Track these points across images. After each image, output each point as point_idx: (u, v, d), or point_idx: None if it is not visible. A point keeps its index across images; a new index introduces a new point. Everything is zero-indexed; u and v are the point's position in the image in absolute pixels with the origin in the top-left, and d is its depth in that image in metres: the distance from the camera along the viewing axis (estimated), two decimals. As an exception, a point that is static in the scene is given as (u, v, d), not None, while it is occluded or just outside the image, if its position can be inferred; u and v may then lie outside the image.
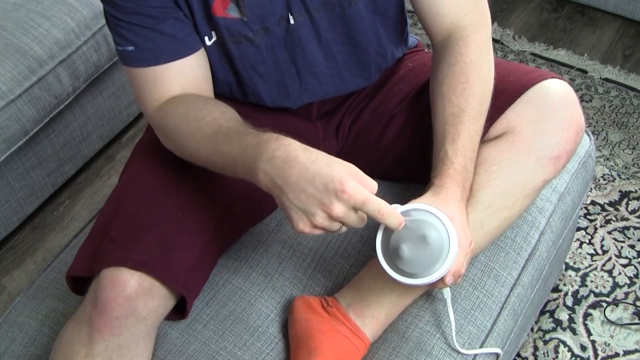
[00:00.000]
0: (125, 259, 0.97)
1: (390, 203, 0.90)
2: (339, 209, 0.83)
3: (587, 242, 1.67)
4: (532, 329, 1.52)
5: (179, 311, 1.07)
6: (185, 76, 1.04)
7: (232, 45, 1.04)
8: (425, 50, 1.30)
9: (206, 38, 1.04)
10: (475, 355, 1.06)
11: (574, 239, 1.65)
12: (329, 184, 0.83)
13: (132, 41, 1.01)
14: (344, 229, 0.87)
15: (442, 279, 0.90)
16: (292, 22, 1.03)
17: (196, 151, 0.99)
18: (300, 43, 1.06)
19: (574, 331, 1.52)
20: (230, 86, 1.12)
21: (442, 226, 0.89)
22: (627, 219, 1.71)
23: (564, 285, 1.59)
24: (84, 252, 1.04)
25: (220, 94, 1.13)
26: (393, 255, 0.89)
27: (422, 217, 0.89)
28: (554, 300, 1.57)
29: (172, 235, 1.02)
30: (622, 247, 1.66)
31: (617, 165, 1.84)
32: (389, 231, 0.90)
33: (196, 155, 1.00)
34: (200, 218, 1.06)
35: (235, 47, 1.04)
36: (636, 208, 1.74)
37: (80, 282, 1.04)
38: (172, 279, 0.99)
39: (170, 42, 1.01)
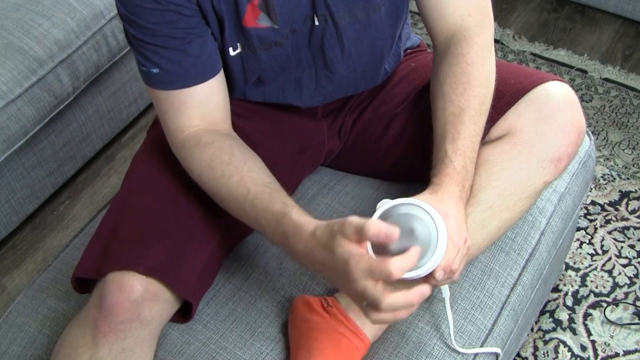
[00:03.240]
0: (136, 263, 0.97)
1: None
2: (355, 276, 0.83)
3: (587, 242, 1.67)
4: (532, 329, 1.52)
5: (181, 313, 1.07)
6: (206, 104, 1.04)
7: (261, 52, 1.04)
8: (428, 50, 1.30)
9: (230, 49, 1.03)
10: (475, 355, 1.06)
11: (574, 239, 1.66)
12: (340, 267, 0.84)
13: (157, 63, 0.99)
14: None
15: (432, 274, 0.90)
16: (316, 23, 1.03)
17: (223, 205, 1.01)
18: (322, 46, 1.06)
19: (574, 331, 1.52)
20: (245, 91, 1.12)
21: (431, 220, 0.89)
22: (627, 219, 1.71)
23: (564, 285, 1.59)
24: (91, 253, 1.04)
25: (233, 98, 1.13)
26: (382, 249, 0.89)
27: (410, 212, 0.90)
28: (554, 300, 1.57)
29: (181, 243, 1.03)
30: (622, 247, 1.66)
31: (617, 165, 1.84)
32: None
33: (222, 205, 1.01)
34: (209, 225, 1.06)
35: (264, 53, 1.04)
36: (636, 208, 1.74)
37: (83, 280, 1.04)
38: (181, 285, 1.00)
39: (195, 64, 1.01)
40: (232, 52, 1.04)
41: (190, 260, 1.02)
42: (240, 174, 0.98)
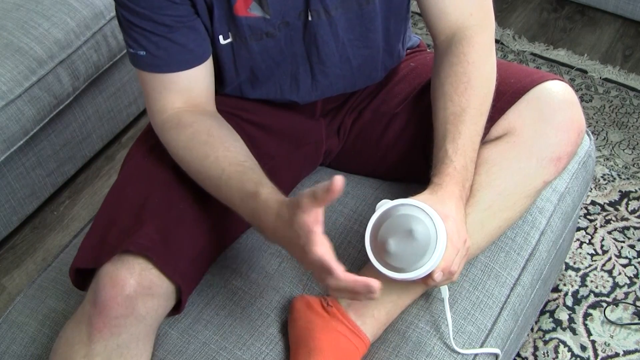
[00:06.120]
0: (129, 243, 0.98)
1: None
2: (309, 260, 0.87)
3: (587, 242, 1.67)
4: (532, 329, 1.52)
5: (178, 309, 1.07)
6: (190, 90, 1.05)
7: (252, 43, 1.04)
8: (428, 50, 1.30)
9: (220, 37, 1.04)
10: (475, 355, 1.06)
11: (574, 239, 1.66)
12: (297, 244, 0.87)
13: (144, 46, 1.01)
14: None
15: (431, 275, 0.90)
16: (310, 18, 1.03)
17: (202, 186, 1.03)
18: (316, 42, 1.06)
19: (574, 331, 1.52)
20: (240, 84, 1.12)
21: (431, 221, 0.89)
22: (627, 219, 1.71)
23: (564, 285, 1.59)
24: (89, 243, 1.04)
25: (229, 93, 1.13)
26: (381, 249, 0.89)
27: (410, 212, 0.90)
28: (554, 300, 1.57)
29: (172, 225, 1.03)
30: (622, 247, 1.66)
31: (617, 165, 1.84)
32: (377, 226, 0.90)
33: (201, 185, 1.03)
34: (202, 210, 1.07)
35: (256, 43, 1.05)
36: (636, 208, 1.74)
37: (82, 276, 1.04)
38: (170, 267, 1.00)
39: (182, 52, 1.02)
40: (222, 41, 1.04)
41: (181, 244, 1.03)
42: (215, 153, 0.99)
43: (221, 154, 1.00)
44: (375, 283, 0.83)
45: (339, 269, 0.83)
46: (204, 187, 1.02)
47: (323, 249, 0.84)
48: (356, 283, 0.84)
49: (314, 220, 0.84)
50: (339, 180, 0.79)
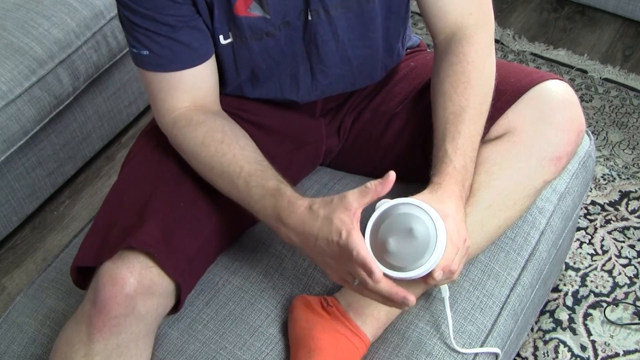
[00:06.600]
0: (131, 240, 0.98)
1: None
2: (343, 259, 0.89)
3: (587, 242, 1.67)
4: (532, 329, 1.52)
5: (175, 306, 1.07)
6: (197, 89, 1.06)
7: (253, 42, 1.05)
8: (428, 50, 1.30)
9: (221, 37, 1.04)
10: (475, 354, 1.06)
11: (574, 239, 1.66)
12: (332, 240, 0.89)
13: (147, 46, 1.01)
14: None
15: (431, 274, 0.90)
16: (309, 18, 1.03)
17: (214, 183, 1.03)
18: (316, 41, 1.06)
19: (574, 331, 1.52)
20: (241, 84, 1.13)
21: (430, 220, 0.89)
22: (627, 219, 1.71)
23: (564, 285, 1.59)
24: (91, 242, 1.04)
25: (229, 93, 1.14)
26: (381, 248, 0.89)
27: (410, 211, 0.90)
28: (554, 300, 1.57)
29: (173, 224, 1.03)
30: (622, 247, 1.66)
31: (617, 165, 1.84)
32: (377, 225, 0.90)
33: (213, 184, 1.03)
34: (203, 210, 1.07)
35: (256, 43, 1.05)
36: (636, 208, 1.74)
37: (83, 275, 1.04)
38: (171, 265, 1.00)
39: (186, 50, 1.02)
40: (222, 41, 1.05)
41: (181, 242, 1.03)
42: (232, 152, 1.00)
43: (238, 152, 1.01)
44: (412, 298, 0.87)
45: (379, 272, 0.86)
46: (215, 183, 1.03)
47: (365, 250, 0.87)
48: (397, 294, 0.88)
49: (356, 218, 0.88)
50: (392, 173, 0.86)
